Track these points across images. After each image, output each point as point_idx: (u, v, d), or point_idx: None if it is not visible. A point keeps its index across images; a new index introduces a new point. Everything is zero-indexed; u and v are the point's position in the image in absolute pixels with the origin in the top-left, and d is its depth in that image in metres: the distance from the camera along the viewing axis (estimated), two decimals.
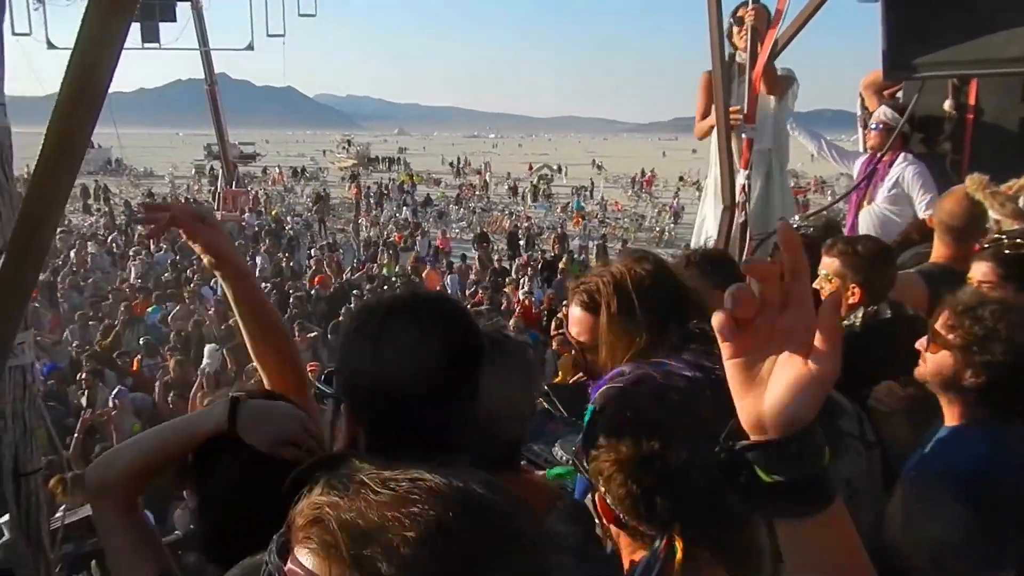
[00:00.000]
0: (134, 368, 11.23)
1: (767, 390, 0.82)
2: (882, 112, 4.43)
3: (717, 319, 0.82)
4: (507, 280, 18.63)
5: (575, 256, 22.14)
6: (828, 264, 2.73)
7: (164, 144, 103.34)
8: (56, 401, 8.83)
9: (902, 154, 4.66)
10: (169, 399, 8.78)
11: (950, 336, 1.91)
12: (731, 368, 0.85)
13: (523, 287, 17.47)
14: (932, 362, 1.95)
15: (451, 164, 65.05)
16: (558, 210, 38.24)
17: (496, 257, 23.43)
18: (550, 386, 3.05)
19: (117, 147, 54.86)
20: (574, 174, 57.02)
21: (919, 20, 3.01)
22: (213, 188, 35.33)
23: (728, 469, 0.85)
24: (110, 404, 8.05)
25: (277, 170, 53.67)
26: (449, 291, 17.56)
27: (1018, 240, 2.61)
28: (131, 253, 21.08)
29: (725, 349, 0.84)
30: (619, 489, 1.21)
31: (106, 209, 32.82)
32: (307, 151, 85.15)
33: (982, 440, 1.86)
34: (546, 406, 3.01)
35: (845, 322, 2.57)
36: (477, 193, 44.19)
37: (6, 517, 4.22)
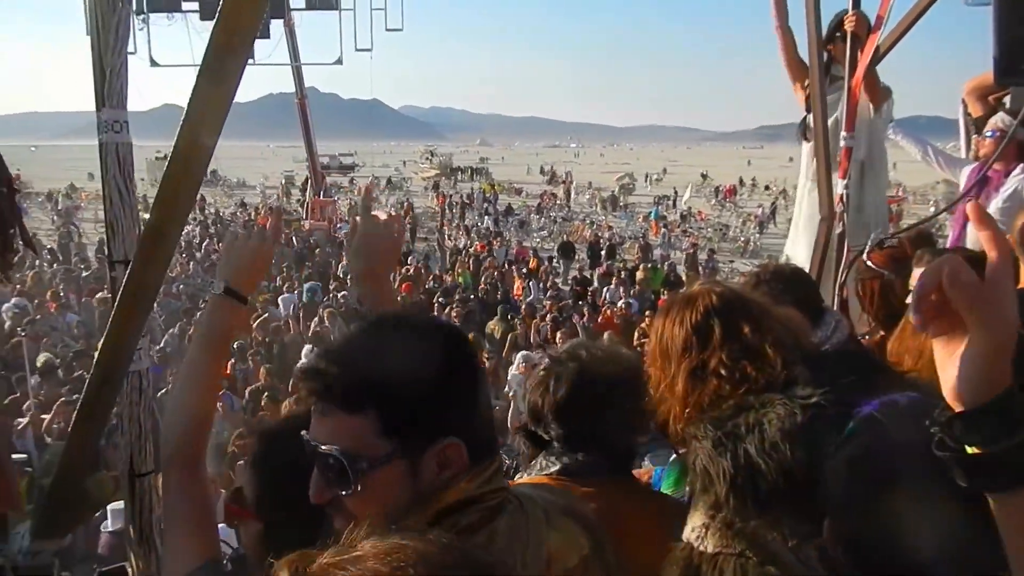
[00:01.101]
0: (227, 372, 11.69)
1: (959, 362, 0.85)
2: (999, 119, 4.20)
3: (912, 304, 0.87)
4: (589, 290, 18.57)
5: (657, 266, 21.92)
6: (915, 275, 2.64)
7: (256, 156, 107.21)
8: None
9: (1021, 165, 4.39)
10: (263, 403, 9.03)
11: None
12: (935, 345, 0.88)
13: (606, 297, 17.37)
14: None
15: (540, 170, 65.71)
16: (639, 219, 37.97)
17: (579, 266, 23.43)
18: None
19: (213, 159, 57.25)
20: (659, 183, 56.58)
21: None
22: (302, 198, 36.47)
23: (938, 443, 0.88)
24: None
25: (369, 179, 55.17)
26: (532, 296, 17.63)
27: None
28: (215, 259, 21.90)
29: (928, 329, 0.88)
30: None
31: (201, 218, 34.24)
32: (391, 162, 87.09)
33: None
34: None
35: None
36: (558, 202, 44.26)
37: (117, 505, 4.41)
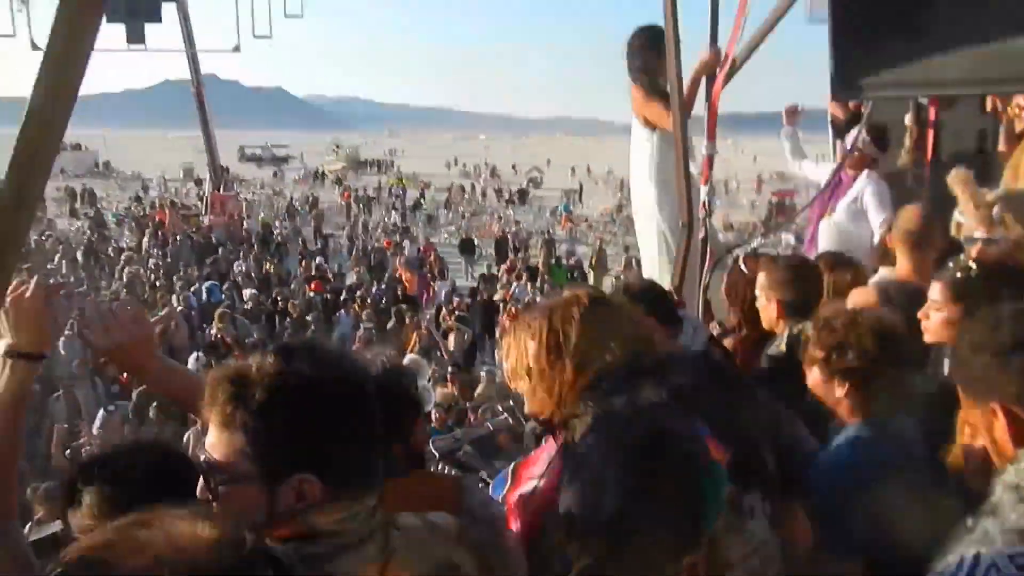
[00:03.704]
0: (124, 378, 11.24)
1: None
2: (861, 139, 4.59)
3: None
4: (498, 287, 18.71)
5: (562, 261, 22.17)
6: (759, 279, 2.90)
7: (152, 146, 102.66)
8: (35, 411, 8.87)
9: (866, 171, 4.80)
10: (151, 412, 8.64)
11: (815, 351, 2.19)
12: None
13: (513, 293, 17.52)
14: (809, 378, 2.24)
15: (455, 162, 65.77)
16: (547, 214, 38.34)
17: (486, 263, 23.42)
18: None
19: (104, 149, 54.71)
20: (565, 177, 56.99)
21: (865, 43, 3.10)
22: (201, 192, 35.26)
23: None
24: (96, 423, 8.02)
25: (302, 172, 53.66)
26: (441, 298, 17.56)
27: (970, 265, 2.67)
28: (123, 260, 20.89)
29: None
30: None
31: (92, 213, 32.71)
32: (294, 153, 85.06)
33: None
34: (511, 421, 3.04)
35: (772, 346, 2.70)
36: (467, 197, 44.23)
37: None
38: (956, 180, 3.02)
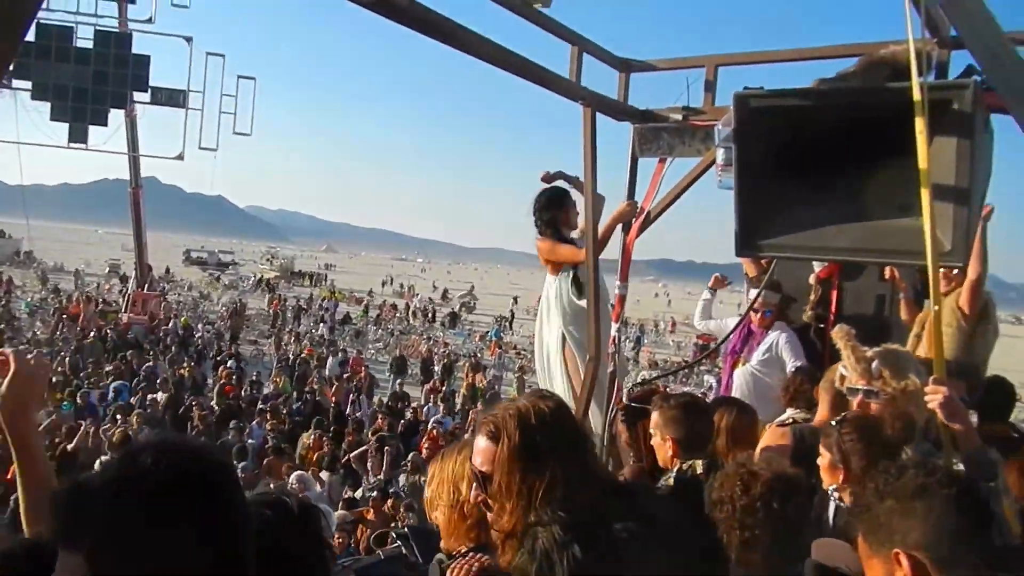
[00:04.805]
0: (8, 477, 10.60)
1: None
2: (772, 299, 4.94)
3: None
4: (413, 405, 18.48)
5: (483, 386, 22.19)
6: (653, 418, 3.01)
7: (81, 240, 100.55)
8: None
9: (777, 323, 5.12)
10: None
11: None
12: None
13: (428, 414, 17.32)
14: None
15: (391, 281, 65.60)
16: (476, 338, 38.49)
17: (399, 382, 23.22)
18: (410, 528, 3.03)
19: (28, 240, 53.52)
20: (495, 304, 57.58)
21: (766, 208, 3.38)
22: (124, 288, 34.41)
23: None
24: None
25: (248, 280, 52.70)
26: (360, 412, 17.15)
27: (834, 421, 2.88)
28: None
29: None
30: None
31: (4, 301, 31.42)
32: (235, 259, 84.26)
33: None
34: (403, 551, 2.95)
35: (662, 480, 2.77)
36: (398, 315, 44.14)
37: None
38: (838, 335, 3.23)
